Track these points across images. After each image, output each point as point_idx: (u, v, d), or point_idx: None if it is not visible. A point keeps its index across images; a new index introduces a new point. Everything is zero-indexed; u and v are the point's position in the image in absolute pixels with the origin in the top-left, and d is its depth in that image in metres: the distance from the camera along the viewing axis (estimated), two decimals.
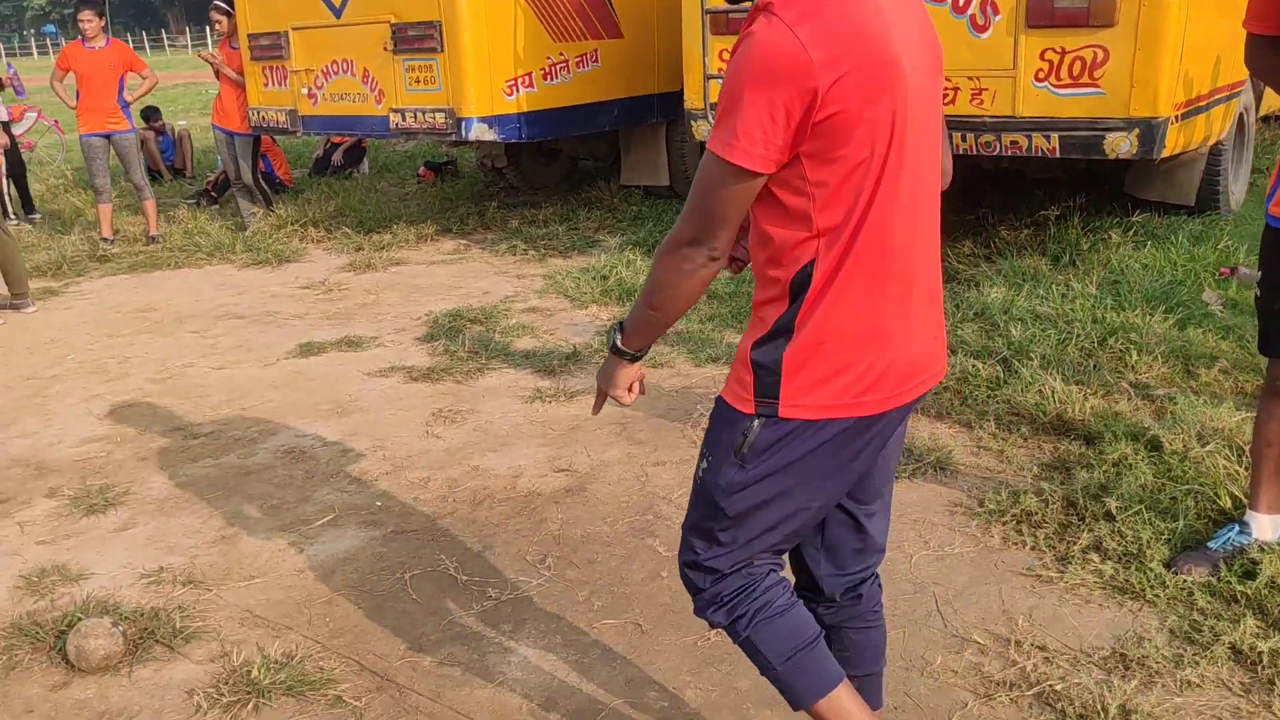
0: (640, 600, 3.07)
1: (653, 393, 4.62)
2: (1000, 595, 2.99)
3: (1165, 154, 5.38)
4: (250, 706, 2.66)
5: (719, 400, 1.83)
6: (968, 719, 2.49)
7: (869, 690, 2.10)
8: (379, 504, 3.77)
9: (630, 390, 1.91)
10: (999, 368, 4.47)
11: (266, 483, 3.99)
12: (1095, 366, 4.48)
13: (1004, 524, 3.34)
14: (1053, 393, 4.15)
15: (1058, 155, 5.53)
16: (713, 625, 1.95)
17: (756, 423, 1.73)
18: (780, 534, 1.85)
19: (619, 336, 1.84)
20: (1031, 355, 4.54)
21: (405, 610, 3.08)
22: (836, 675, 1.92)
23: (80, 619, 2.97)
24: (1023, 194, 7.29)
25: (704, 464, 1.84)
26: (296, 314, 6.40)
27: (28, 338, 6.06)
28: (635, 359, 1.86)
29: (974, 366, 4.51)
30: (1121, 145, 5.30)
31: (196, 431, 4.52)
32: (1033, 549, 3.21)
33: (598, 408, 1.99)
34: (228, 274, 7.59)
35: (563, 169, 9.92)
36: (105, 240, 8.48)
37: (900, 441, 1.95)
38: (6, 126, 9.62)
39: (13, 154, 9.83)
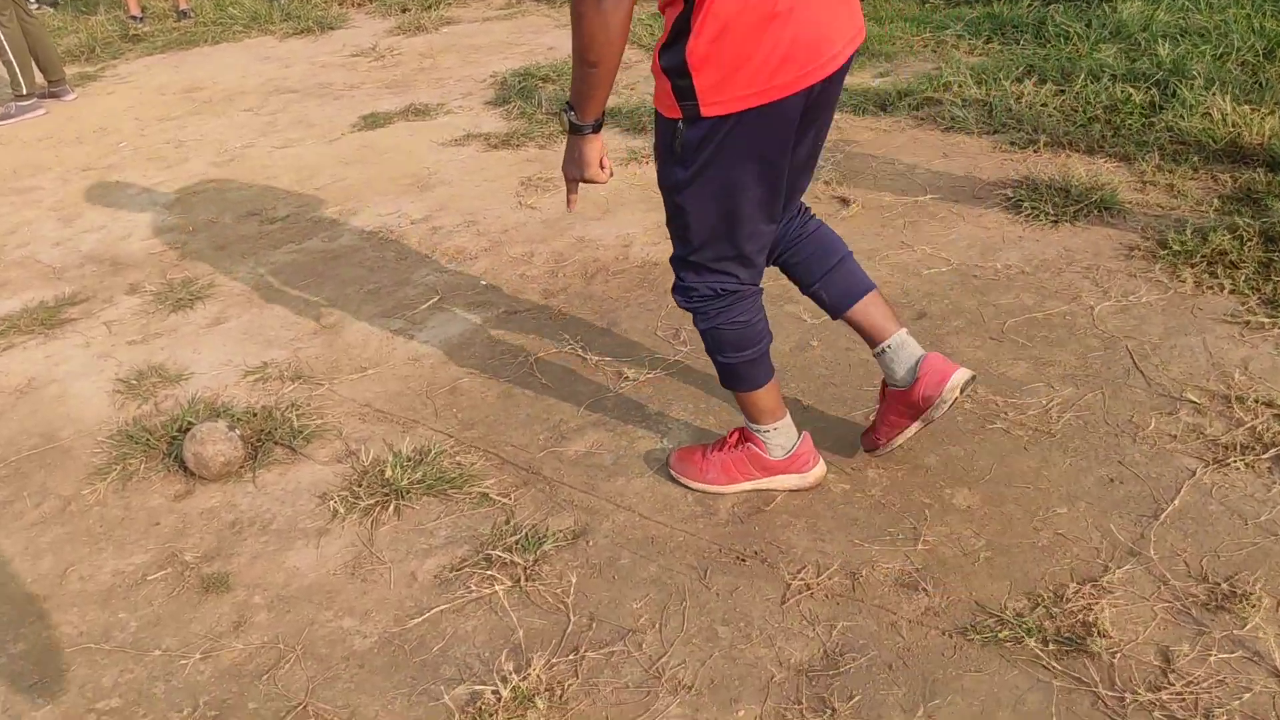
0: (795, 373, 2.78)
1: None
2: (1205, 347, 2.64)
3: None
4: (391, 509, 2.45)
5: (655, 111, 1.90)
6: (1200, 489, 2.21)
7: (851, 273, 2.25)
8: (483, 283, 3.46)
9: (603, 166, 1.97)
10: (1154, 91, 3.95)
11: (358, 266, 3.69)
12: (1264, 84, 3.94)
13: (1194, 266, 2.96)
14: (1223, 116, 3.66)
15: None
16: (678, 305, 2.15)
17: (681, 124, 1.83)
18: (735, 225, 1.96)
19: (573, 114, 1.88)
20: (1189, 75, 4.00)
21: (536, 397, 2.82)
22: (766, 377, 2.21)
23: (192, 423, 2.75)
24: None
25: (657, 167, 1.98)
26: (352, 84, 5.93)
27: (74, 127, 5.68)
28: (597, 130, 1.91)
29: (1123, 91, 4.00)
30: None
31: (272, 215, 4.19)
32: (1233, 293, 2.84)
33: (573, 202, 2.06)
34: (270, 46, 7.07)
35: None
36: (134, 19, 7.93)
37: (831, 110, 1.99)
38: None
39: None
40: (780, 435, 2.30)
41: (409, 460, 2.58)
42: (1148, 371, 2.59)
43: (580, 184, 2.02)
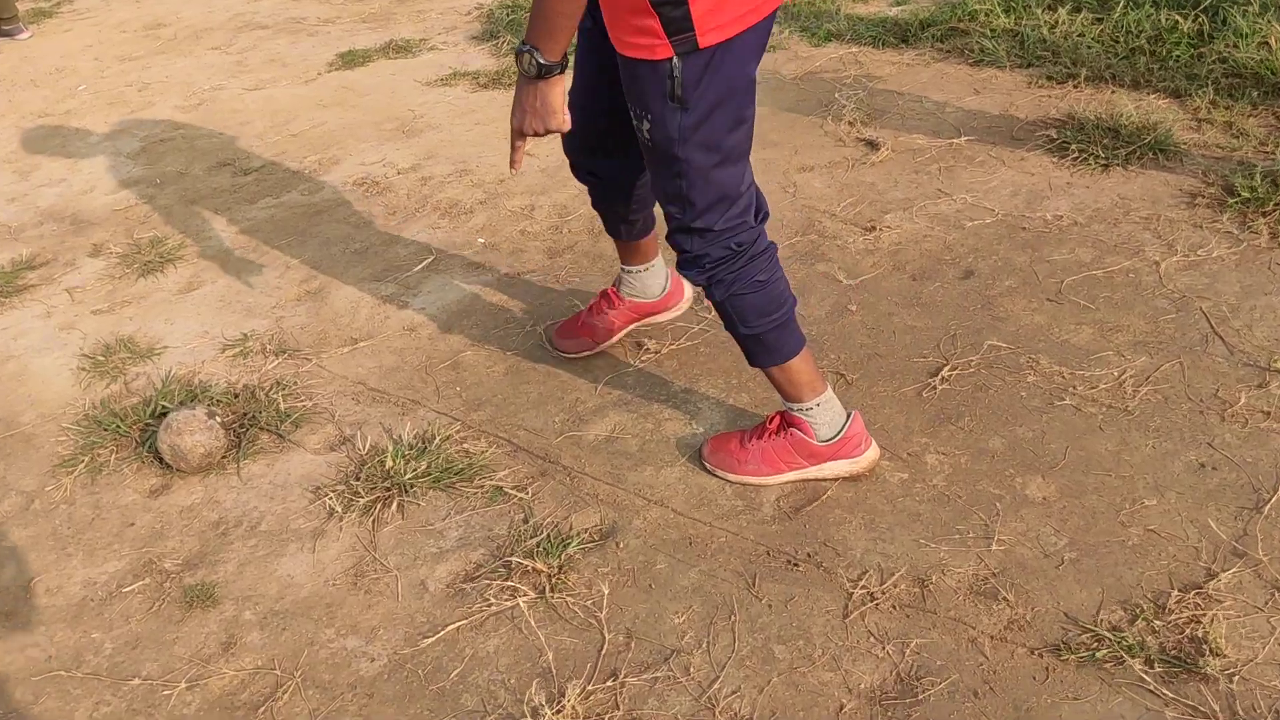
0: (833, 343, 2.52)
1: (771, 82, 3.88)
2: None
3: None
4: (394, 506, 2.19)
5: (628, 63, 1.75)
6: None
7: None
8: (481, 241, 3.17)
9: (568, 107, 1.77)
10: (1202, 19, 3.65)
11: (343, 222, 3.38)
12: None
13: (1267, 215, 2.71)
14: None
15: None
16: (692, 283, 1.98)
17: (676, 61, 1.69)
18: (739, 162, 1.84)
19: (539, 54, 1.66)
20: (1241, 0, 3.69)
21: (549, 373, 2.55)
22: (798, 345, 2.00)
23: (167, 408, 2.48)
24: None
25: (645, 125, 1.79)
26: (326, 19, 5.54)
27: (28, 68, 5.28)
28: (564, 70, 1.73)
29: (1169, 19, 3.70)
30: None
31: (247, 166, 3.86)
32: None
33: (518, 161, 1.82)
34: None
35: None
36: None
37: None
38: None
39: None
40: (825, 411, 2.06)
41: (411, 448, 2.32)
42: (1228, 337, 2.34)
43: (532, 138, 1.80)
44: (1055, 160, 3.14)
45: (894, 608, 1.84)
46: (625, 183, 2.27)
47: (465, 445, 2.35)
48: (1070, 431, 2.16)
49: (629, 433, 2.32)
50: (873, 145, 3.37)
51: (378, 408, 2.50)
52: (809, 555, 1.96)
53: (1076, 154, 3.12)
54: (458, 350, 2.67)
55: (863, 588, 1.88)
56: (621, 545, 2.04)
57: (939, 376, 2.35)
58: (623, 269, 2.52)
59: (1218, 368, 2.26)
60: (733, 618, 1.86)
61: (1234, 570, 1.81)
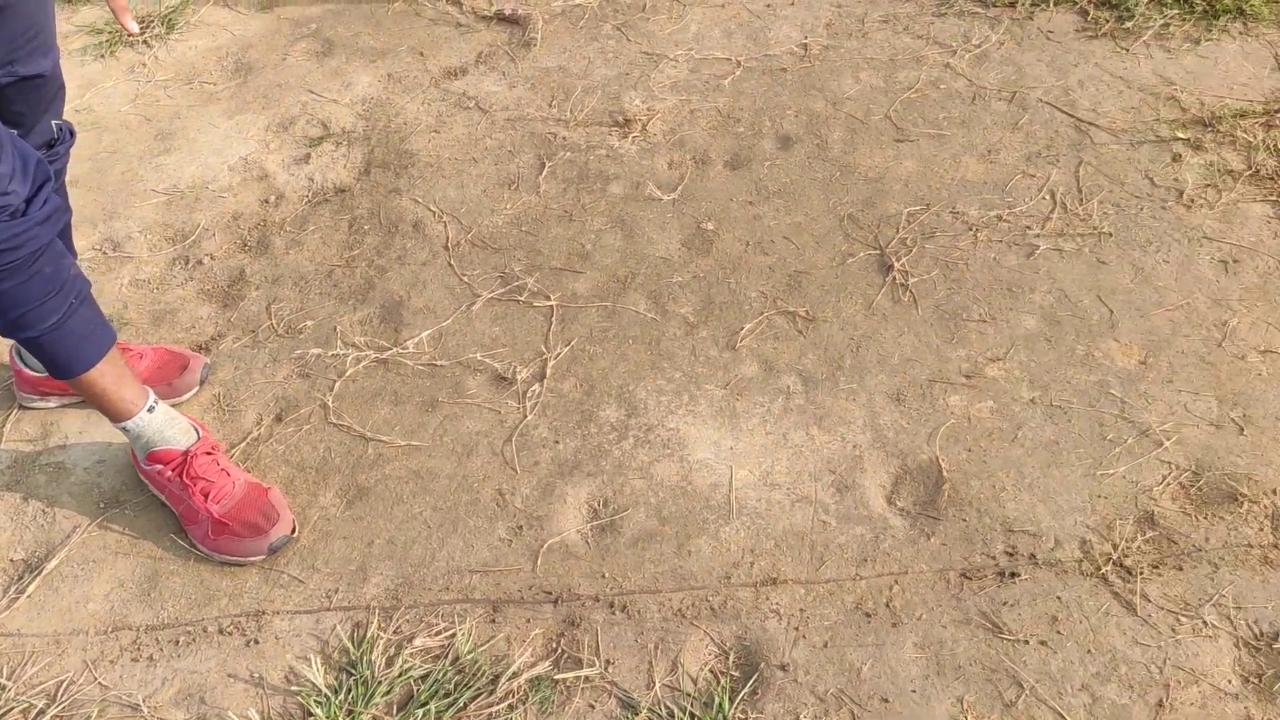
0: (726, 280, 1.92)
1: None
2: (1108, 71, 2.30)
3: None
4: None
5: None
6: None
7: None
8: None
9: None
10: None
11: None
12: None
13: None
14: None
15: None
16: None
17: None
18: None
19: None
20: None
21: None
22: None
23: None
24: None
25: None
26: None
27: None
28: None
29: None
30: None
31: None
32: (1061, 2, 2.50)
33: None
34: None
35: None
36: None
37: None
38: None
39: None
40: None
41: (343, 695, 1.36)
42: (1098, 122, 2.18)
43: None
44: None
45: None
46: None
47: (415, 640, 1.43)
48: (1073, 271, 1.87)
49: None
50: (514, 22, 2.64)
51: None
52: None
53: None
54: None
55: None
56: None
57: (890, 275, 1.91)
58: None
59: (1120, 155, 2.10)
60: None
61: None
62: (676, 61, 2.46)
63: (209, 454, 1.60)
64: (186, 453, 1.58)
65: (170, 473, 1.58)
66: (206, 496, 1.57)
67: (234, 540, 1.56)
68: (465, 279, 1.99)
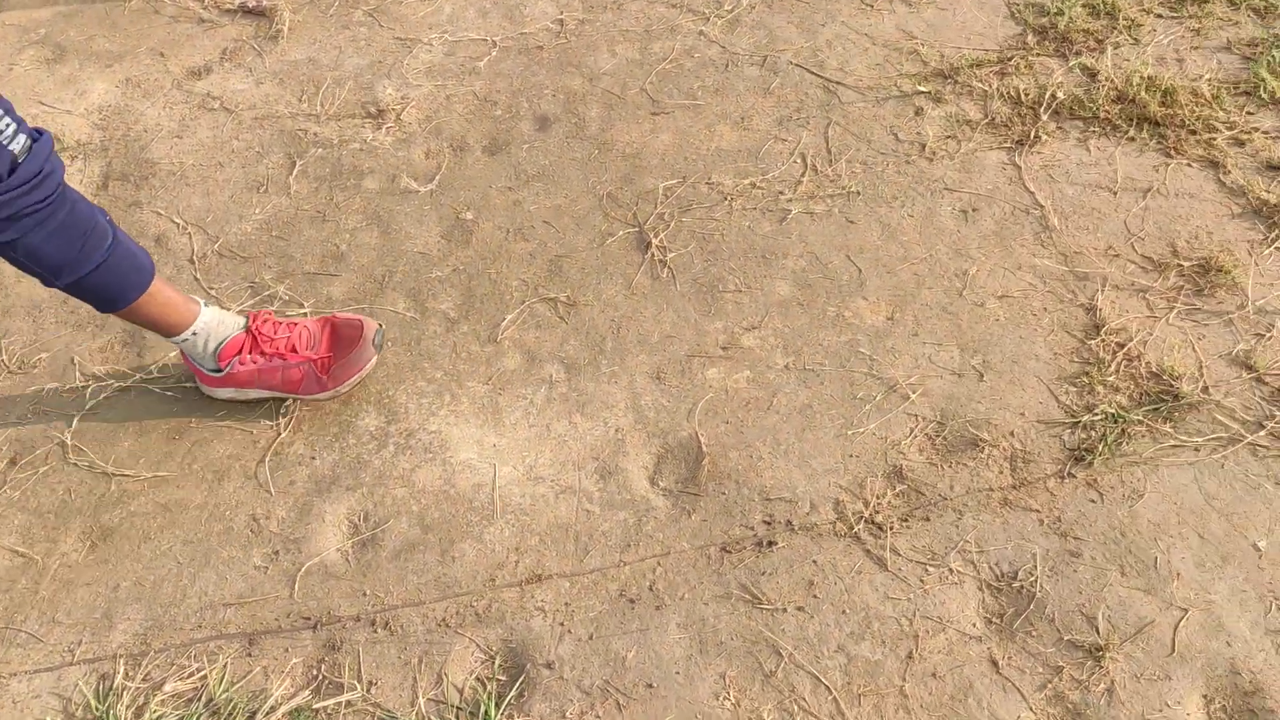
0: (511, 269, 1.90)
1: None
2: (846, 23, 2.34)
3: None
4: None
5: None
6: None
7: None
8: None
9: None
10: None
11: None
12: None
13: None
14: None
15: None
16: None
17: None
18: None
19: None
20: None
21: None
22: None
23: None
24: None
25: None
26: None
27: None
28: None
29: None
30: None
31: None
32: None
33: None
34: None
35: None
36: None
37: None
38: None
39: None
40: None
41: None
42: (843, 80, 2.22)
43: None
44: None
45: None
46: None
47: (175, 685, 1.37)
48: (823, 233, 1.91)
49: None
50: (259, 14, 2.52)
51: None
52: None
53: None
54: None
55: None
56: None
57: (649, 253, 1.91)
58: None
59: (867, 113, 2.14)
60: None
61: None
62: (431, 45, 2.39)
63: (266, 319, 1.63)
64: (248, 329, 1.61)
65: (249, 356, 1.60)
66: (295, 349, 1.62)
67: (344, 365, 1.64)
68: (213, 292, 1.90)
